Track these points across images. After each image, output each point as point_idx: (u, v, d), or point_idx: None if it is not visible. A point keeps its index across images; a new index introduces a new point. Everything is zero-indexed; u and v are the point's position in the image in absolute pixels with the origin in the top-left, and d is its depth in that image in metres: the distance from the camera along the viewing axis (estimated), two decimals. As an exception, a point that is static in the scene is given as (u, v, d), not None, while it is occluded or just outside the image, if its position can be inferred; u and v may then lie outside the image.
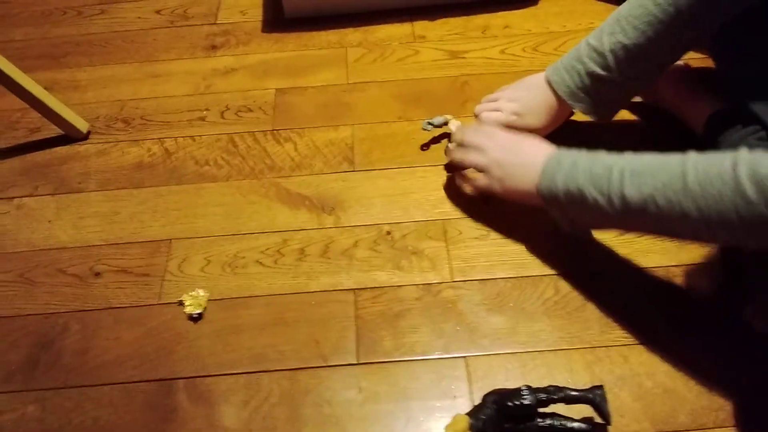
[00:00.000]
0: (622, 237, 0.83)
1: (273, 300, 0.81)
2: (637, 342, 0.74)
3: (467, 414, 0.67)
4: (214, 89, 1.08)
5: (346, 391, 0.73)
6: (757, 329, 0.74)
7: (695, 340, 0.74)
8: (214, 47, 1.15)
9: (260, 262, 0.84)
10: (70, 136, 1.01)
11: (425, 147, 0.96)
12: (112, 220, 0.90)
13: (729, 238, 0.63)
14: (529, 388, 0.66)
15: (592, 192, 0.68)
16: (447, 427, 0.67)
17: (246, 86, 1.08)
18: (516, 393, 0.66)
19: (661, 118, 0.96)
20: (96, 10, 1.25)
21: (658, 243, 0.82)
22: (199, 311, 0.79)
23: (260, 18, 1.20)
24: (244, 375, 0.75)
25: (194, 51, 1.15)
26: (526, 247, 0.84)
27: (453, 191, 0.90)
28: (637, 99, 0.96)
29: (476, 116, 0.93)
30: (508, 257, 0.83)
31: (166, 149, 0.99)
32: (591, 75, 0.82)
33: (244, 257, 0.85)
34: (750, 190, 0.56)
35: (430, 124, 0.94)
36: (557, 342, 0.75)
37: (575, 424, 0.66)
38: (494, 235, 0.85)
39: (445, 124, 0.94)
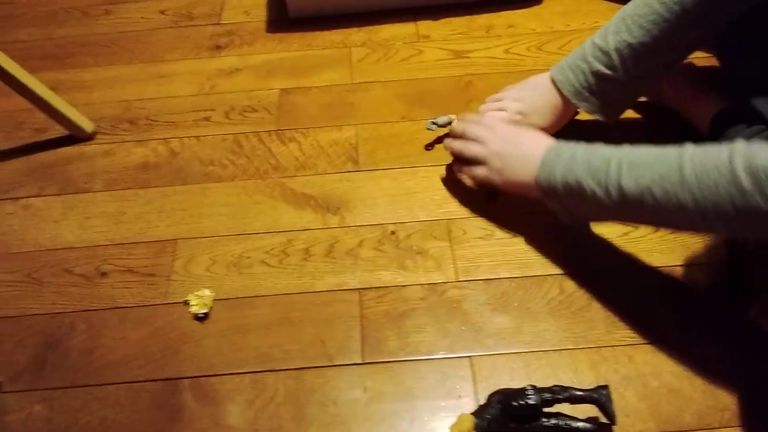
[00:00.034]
0: (627, 237, 0.83)
1: (278, 300, 0.81)
2: (642, 342, 0.74)
3: (472, 414, 0.67)
4: (218, 89, 1.08)
5: (352, 390, 0.73)
6: (762, 328, 0.74)
7: (701, 339, 0.74)
8: (218, 47, 1.16)
9: (265, 262, 0.85)
10: (76, 137, 1.02)
11: (429, 147, 0.96)
12: (118, 220, 0.91)
13: (725, 229, 0.63)
14: (534, 387, 0.66)
15: (590, 184, 0.68)
16: (452, 427, 0.67)
17: (250, 86, 1.08)
18: (521, 393, 0.66)
19: (665, 117, 0.95)
20: (101, 10, 1.26)
21: (662, 242, 0.83)
22: (204, 311, 0.80)
23: (264, 18, 1.21)
24: (249, 374, 0.75)
25: (199, 51, 1.15)
26: (531, 247, 0.84)
27: (457, 190, 0.90)
28: (642, 98, 0.96)
29: (481, 116, 0.93)
30: (513, 257, 0.83)
31: (172, 149, 0.99)
32: (596, 74, 0.82)
33: (249, 257, 0.85)
34: (745, 180, 0.56)
35: (434, 123, 0.94)
36: (562, 342, 0.75)
37: (580, 424, 0.66)
38: (499, 235, 0.85)
39: (450, 123, 0.94)
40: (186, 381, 0.75)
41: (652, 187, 0.63)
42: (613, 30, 0.80)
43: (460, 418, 0.67)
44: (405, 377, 0.74)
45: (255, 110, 1.04)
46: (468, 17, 1.16)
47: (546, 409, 0.66)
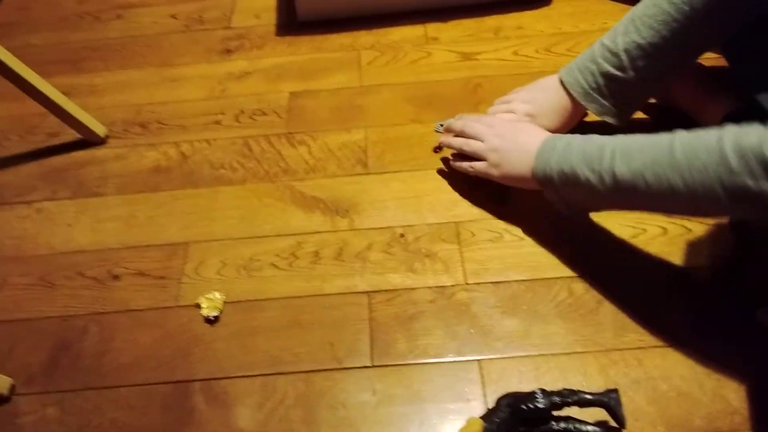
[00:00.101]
0: (636, 239, 0.83)
1: (288, 303, 0.81)
2: (651, 345, 0.74)
3: (481, 417, 0.67)
4: (228, 93, 1.09)
5: (361, 393, 0.73)
6: (772, 331, 0.74)
7: (710, 342, 0.74)
8: (228, 51, 1.16)
9: (275, 265, 0.85)
10: (89, 141, 1.03)
11: (438, 149, 0.96)
12: (129, 223, 0.92)
13: (715, 210, 0.65)
14: (543, 391, 0.66)
15: (584, 171, 0.70)
16: (461, 430, 0.67)
17: (260, 90, 1.09)
18: (530, 396, 0.66)
19: (675, 118, 0.95)
20: (113, 15, 1.27)
21: (672, 245, 0.82)
22: (215, 314, 0.80)
23: (274, 22, 1.21)
24: (259, 377, 0.75)
25: (209, 55, 1.16)
26: (540, 250, 0.84)
27: (466, 193, 0.90)
28: (651, 100, 0.96)
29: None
30: (522, 259, 0.83)
31: (182, 153, 1.00)
32: (605, 75, 0.82)
33: (259, 260, 0.86)
34: (733, 160, 0.57)
35: (443, 126, 0.94)
36: (571, 345, 0.75)
37: (590, 428, 0.65)
38: (507, 237, 0.85)
39: (459, 126, 0.94)
40: (197, 383, 0.76)
41: (644, 172, 0.65)
42: (622, 31, 0.80)
43: (469, 421, 0.67)
44: (414, 380, 0.74)
45: (265, 113, 1.05)
46: (477, 19, 1.16)
47: (555, 413, 0.66)
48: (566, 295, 0.79)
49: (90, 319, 0.82)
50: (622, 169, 0.67)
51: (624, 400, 0.67)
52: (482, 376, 0.74)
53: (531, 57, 1.09)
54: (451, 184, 0.92)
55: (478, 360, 0.75)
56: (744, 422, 0.68)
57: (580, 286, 0.80)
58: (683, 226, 0.84)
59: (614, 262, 0.82)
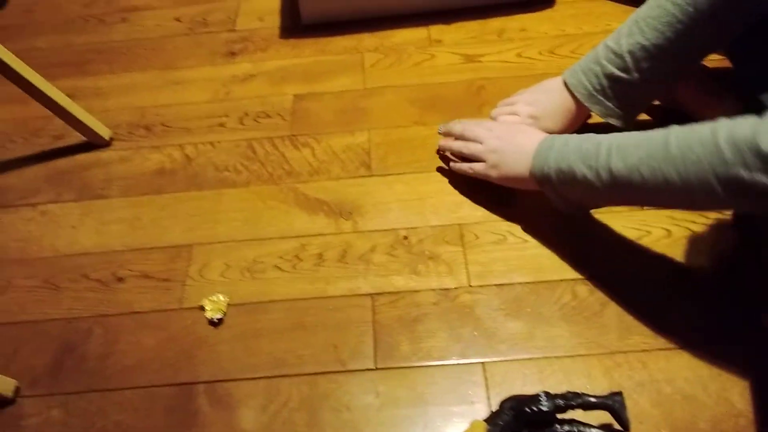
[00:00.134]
0: (640, 241, 0.83)
1: (292, 305, 0.82)
2: (655, 348, 0.74)
3: (484, 420, 0.67)
4: (233, 95, 1.09)
5: (364, 395, 0.73)
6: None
7: (714, 345, 0.74)
8: (232, 54, 1.17)
9: (279, 267, 0.85)
10: (93, 143, 1.03)
11: (440, 153, 0.96)
12: (134, 225, 0.92)
13: (711, 203, 0.65)
14: (547, 394, 0.66)
15: (581, 168, 0.71)
16: (464, 433, 0.67)
17: (264, 92, 1.09)
18: (534, 399, 0.66)
19: (677, 120, 0.93)
20: (117, 18, 1.27)
21: (676, 247, 0.82)
22: (219, 316, 0.80)
23: (278, 24, 1.21)
24: (263, 379, 0.76)
25: (213, 58, 1.16)
26: (544, 252, 0.84)
27: (470, 195, 0.90)
28: (655, 102, 0.95)
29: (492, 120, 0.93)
30: (526, 262, 0.83)
31: (187, 155, 1.00)
32: (609, 77, 0.82)
33: (263, 262, 0.86)
34: (727, 151, 0.58)
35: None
36: (575, 347, 0.75)
37: (594, 431, 0.65)
38: (511, 240, 0.85)
39: (462, 128, 0.94)
40: (201, 386, 0.76)
41: (640, 166, 0.65)
42: (626, 32, 0.80)
43: (473, 424, 0.67)
44: (417, 383, 0.74)
45: (269, 116, 1.05)
46: (480, 21, 1.16)
47: (559, 416, 0.66)
48: (570, 298, 0.79)
49: (94, 321, 0.82)
50: (618, 165, 0.68)
51: (628, 403, 0.67)
52: (486, 379, 0.73)
53: (534, 59, 1.09)
54: (454, 186, 0.92)
55: (481, 362, 0.75)
56: (749, 425, 0.68)
57: (584, 289, 0.80)
58: (687, 228, 0.84)
59: (618, 265, 0.82)
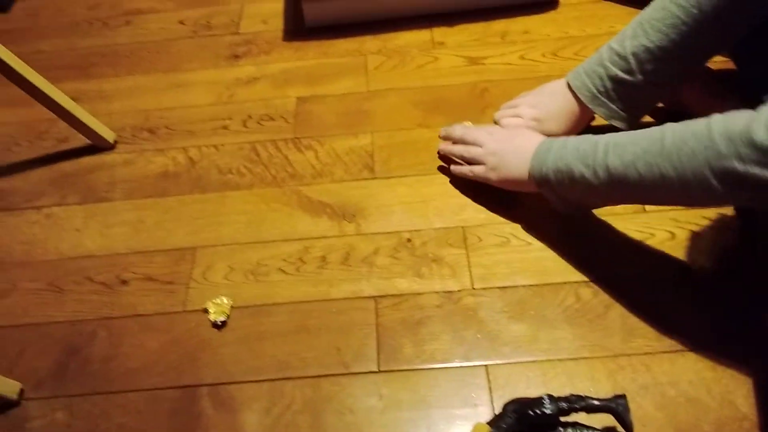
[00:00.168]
0: (644, 244, 0.83)
1: (295, 307, 0.82)
2: (659, 350, 0.74)
3: (488, 423, 0.67)
4: (236, 98, 1.09)
5: (368, 398, 0.73)
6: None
7: (718, 348, 0.73)
8: (236, 57, 1.17)
9: (282, 270, 0.85)
10: (98, 146, 1.03)
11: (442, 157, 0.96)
12: (138, 228, 0.92)
13: (707, 198, 0.64)
14: (550, 397, 0.66)
15: (579, 167, 0.72)
16: (468, 436, 0.67)
17: (267, 95, 1.09)
18: (537, 402, 0.66)
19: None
20: (121, 21, 1.28)
21: (680, 249, 0.82)
22: (222, 318, 0.80)
23: (281, 27, 1.22)
24: (267, 382, 0.76)
25: (217, 60, 1.17)
26: (547, 254, 0.84)
27: (473, 197, 0.90)
28: (659, 104, 0.95)
29: (496, 123, 0.93)
30: (529, 264, 0.83)
31: (190, 158, 1.01)
32: (613, 79, 0.82)
33: (266, 265, 0.86)
34: (721, 143, 0.59)
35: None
36: (579, 350, 0.75)
37: (597, 434, 0.65)
38: (514, 242, 0.85)
39: (465, 131, 0.94)
40: (204, 388, 0.76)
41: (636, 162, 0.66)
42: (630, 34, 0.80)
43: (476, 427, 0.67)
44: (421, 385, 0.74)
45: (272, 119, 1.05)
46: (483, 23, 1.16)
47: (562, 419, 0.66)
48: (574, 300, 0.79)
49: (98, 324, 0.82)
50: (615, 162, 0.68)
51: (632, 406, 0.67)
52: (489, 382, 0.73)
53: (538, 61, 1.09)
54: (457, 188, 0.92)
55: (485, 365, 0.75)
56: (753, 428, 0.68)
57: (588, 291, 0.79)
58: (691, 230, 0.84)
59: (622, 267, 0.82)
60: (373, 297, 0.82)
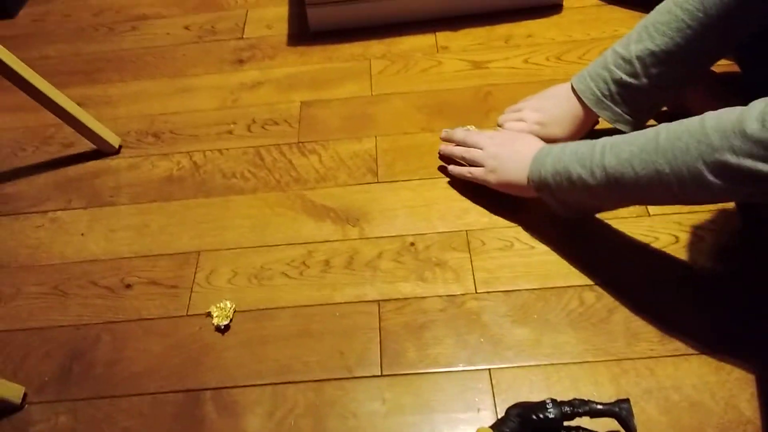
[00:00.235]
0: (648, 247, 0.82)
1: (298, 311, 0.82)
2: (663, 354, 0.73)
3: (490, 427, 0.67)
4: (240, 103, 1.10)
5: (371, 402, 0.73)
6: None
7: (722, 352, 0.73)
8: (240, 61, 1.17)
9: (286, 274, 0.85)
10: (103, 151, 1.04)
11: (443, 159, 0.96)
12: (142, 232, 0.92)
13: (704, 194, 0.64)
14: (553, 401, 0.66)
15: (576, 168, 0.73)
16: (470, 440, 0.67)
17: (272, 99, 1.09)
18: (540, 406, 0.66)
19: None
20: (127, 26, 1.28)
21: (684, 253, 0.82)
22: (226, 322, 0.81)
23: (286, 32, 1.22)
24: (270, 386, 0.76)
25: (221, 65, 1.17)
26: (550, 258, 0.83)
27: (476, 201, 0.90)
28: (664, 108, 0.95)
29: (500, 126, 0.93)
30: (532, 268, 0.83)
31: (195, 162, 1.01)
32: (617, 82, 0.82)
33: (270, 269, 0.86)
34: (714, 137, 0.60)
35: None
36: (582, 354, 0.74)
37: (600, 438, 0.65)
38: (518, 246, 0.85)
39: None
40: (208, 392, 0.76)
41: (632, 160, 0.67)
42: (635, 38, 0.80)
43: (479, 431, 0.67)
44: (424, 389, 0.74)
45: (276, 123, 1.05)
46: (487, 27, 1.16)
47: (566, 423, 0.66)
48: (577, 304, 0.79)
49: (102, 328, 0.83)
50: (612, 161, 0.69)
51: (635, 410, 0.67)
52: (492, 386, 0.73)
53: (541, 65, 1.09)
54: (461, 192, 0.92)
55: (488, 369, 0.75)
56: (757, 432, 0.67)
57: (592, 295, 0.79)
58: (695, 234, 0.83)
59: (626, 271, 0.81)
60: (377, 301, 0.82)
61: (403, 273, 0.84)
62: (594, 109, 0.85)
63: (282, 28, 1.23)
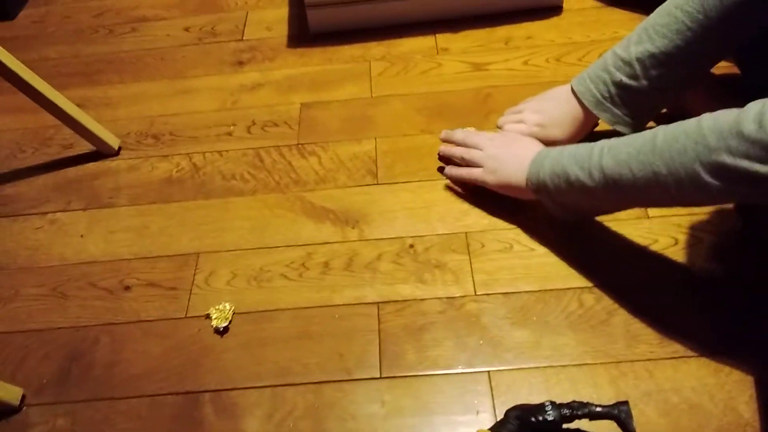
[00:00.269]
0: (647, 250, 0.82)
1: (298, 313, 0.82)
2: (662, 357, 0.73)
3: (490, 429, 0.67)
4: (240, 104, 1.10)
5: (370, 404, 0.73)
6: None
7: (721, 354, 0.73)
8: (240, 63, 1.17)
9: (285, 276, 0.85)
10: (102, 152, 1.04)
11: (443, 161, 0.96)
12: (141, 234, 0.92)
13: (700, 195, 0.64)
14: (552, 403, 0.66)
15: (574, 169, 0.73)
16: (469, 442, 0.67)
17: (272, 101, 1.09)
18: (539, 409, 0.66)
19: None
20: (127, 28, 1.28)
21: (683, 255, 0.82)
22: (225, 324, 0.80)
23: (285, 33, 1.22)
24: (269, 388, 0.76)
25: (221, 67, 1.17)
26: (550, 260, 0.83)
27: (476, 203, 0.90)
28: (664, 110, 0.95)
29: (499, 128, 0.93)
30: (532, 270, 0.82)
31: (194, 164, 1.01)
32: (617, 84, 0.82)
33: (269, 270, 0.86)
34: (711, 138, 0.60)
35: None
36: (581, 356, 0.74)
37: (599, 440, 0.65)
38: (517, 248, 0.85)
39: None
40: (206, 394, 0.76)
41: (629, 161, 0.67)
42: (635, 40, 0.80)
43: (478, 433, 0.67)
44: (423, 391, 0.74)
45: (276, 125, 1.05)
46: (487, 29, 1.16)
47: (565, 425, 0.66)
48: (577, 306, 0.79)
49: (101, 329, 0.83)
50: (609, 163, 0.69)
51: (635, 412, 0.66)
52: (492, 388, 0.73)
53: (541, 67, 1.09)
54: (460, 194, 0.92)
55: (487, 371, 0.74)
56: (756, 435, 0.67)
57: (591, 297, 0.79)
58: (695, 236, 0.83)
59: (625, 273, 0.81)
60: (376, 303, 0.81)
61: (403, 275, 0.84)
62: (594, 111, 0.85)
63: (282, 30, 1.23)
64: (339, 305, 0.82)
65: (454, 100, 1.05)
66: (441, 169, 0.94)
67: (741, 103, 0.85)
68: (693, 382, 0.71)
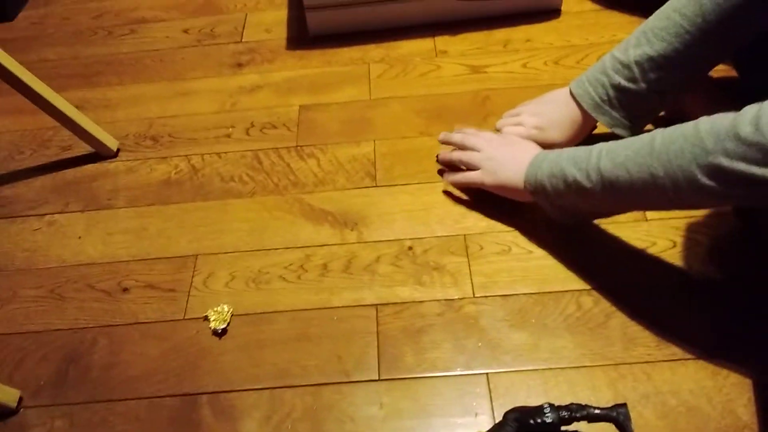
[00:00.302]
0: (645, 252, 0.82)
1: (296, 315, 0.82)
2: (660, 359, 0.73)
3: (488, 431, 0.67)
4: (239, 106, 1.10)
5: (368, 407, 0.73)
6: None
7: (719, 357, 0.73)
8: (239, 65, 1.17)
9: (284, 278, 0.85)
10: (101, 154, 1.04)
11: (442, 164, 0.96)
12: (140, 236, 0.92)
13: (698, 197, 0.65)
14: (551, 406, 0.66)
15: (572, 171, 0.73)
16: (468, 445, 0.67)
17: (271, 103, 1.09)
18: (538, 411, 0.66)
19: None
20: (126, 30, 1.28)
21: (681, 258, 0.82)
22: (223, 326, 0.80)
23: (285, 36, 1.22)
24: (267, 390, 0.75)
25: (220, 69, 1.17)
26: (548, 263, 0.83)
27: (474, 206, 0.90)
28: (662, 113, 0.95)
29: (498, 131, 0.93)
30: (530, 272, 0.83)
31: (193, 166, 1.01)
32: (616, 87, 0.82)
33: (268, 273, 0.86)
34: (708, 140, 0.60)
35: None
36: (580, 359, 0.74)
37: (598, 443, 0.65)
38: (516, 250, 0.85)
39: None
40: (204, 396, 0.76)
41: (627, 163, 0.67)
42: (633, 43, 0.80)
43: (476, 435, 0.67)
44: (421, 394, 0.74)
45: (275, 127, 1.05)
46: (486, 32, 1.16)
47: (563, 428, 0.66)
48: (575, 309, 0.79)
49: (99, 331, 0.82)
50: (607, 165, 0.69)
51: (633, 414, 0.66)
52: (490, 390, 0.73)
53: (540, 70, 1.09)
54: (459, 196, 0.92)
55: (486, 374, 0.74)
56: (755, 438, 0.67)
57: (589, 300, 0.79)
58: (693, 238, 0.83)
59: (623, 276, 0.81)
60: (375, 305, 0.81)
61: (401, 277, 0.84)
62: (592, 114, 0.85)
63: (281, 32, 1.23)
64: (337, 307, 0.82)
65: (453, 103, 1.05)
66: (441, 172, 0.94)
67: (739, 106, 0.85)
68: (691, 384, 0.71)
